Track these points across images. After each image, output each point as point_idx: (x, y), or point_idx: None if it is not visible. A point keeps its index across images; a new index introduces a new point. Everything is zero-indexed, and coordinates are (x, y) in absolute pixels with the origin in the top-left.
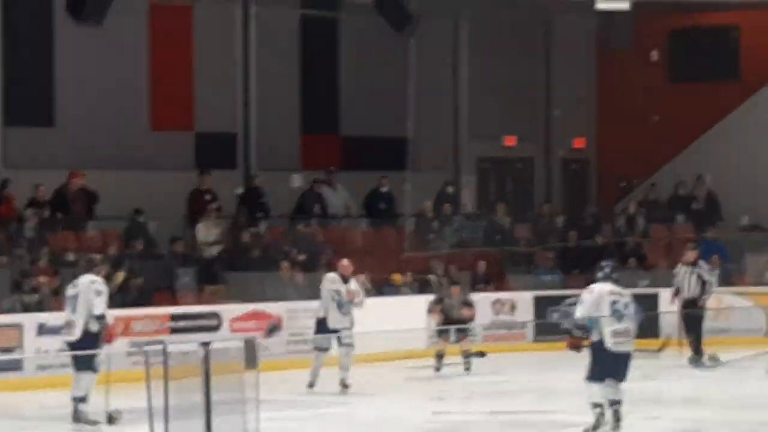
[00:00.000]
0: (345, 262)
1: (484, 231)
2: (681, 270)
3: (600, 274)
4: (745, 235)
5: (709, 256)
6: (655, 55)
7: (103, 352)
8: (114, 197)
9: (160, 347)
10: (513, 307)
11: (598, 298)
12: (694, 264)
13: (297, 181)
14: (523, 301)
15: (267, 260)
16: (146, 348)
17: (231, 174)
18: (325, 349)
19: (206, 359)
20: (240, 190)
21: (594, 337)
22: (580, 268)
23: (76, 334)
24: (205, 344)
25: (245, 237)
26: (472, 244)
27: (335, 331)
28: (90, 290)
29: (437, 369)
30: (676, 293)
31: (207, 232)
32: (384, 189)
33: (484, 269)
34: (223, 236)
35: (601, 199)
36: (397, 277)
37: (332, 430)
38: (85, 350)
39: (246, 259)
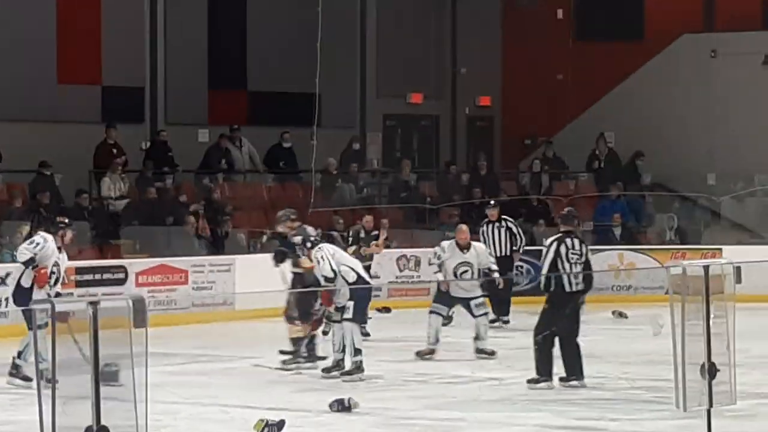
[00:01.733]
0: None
1: (389, 188)
2: (486, 229)
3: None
4: (647, 193)
5: (612, 215)
6: (560, 13)
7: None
8: (20, 150)
9: (47, 306)
10: (417, 264)
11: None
12: (498, 221)
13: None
14: (428, 257)
15: (173, 214)
16: (32, 307)
17: (137, 128)
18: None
19: (94, 318)
20: (146, 145)
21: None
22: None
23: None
24: (94, 303)
25: (151, 191)
26: (377, 201)
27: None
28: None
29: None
30: None
31: (113, 185)
32: (286, 144)
33: (389, 226)
34: (130, 190)
35: (505, 156)
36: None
37: (235, 384)
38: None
39: (152, 213)
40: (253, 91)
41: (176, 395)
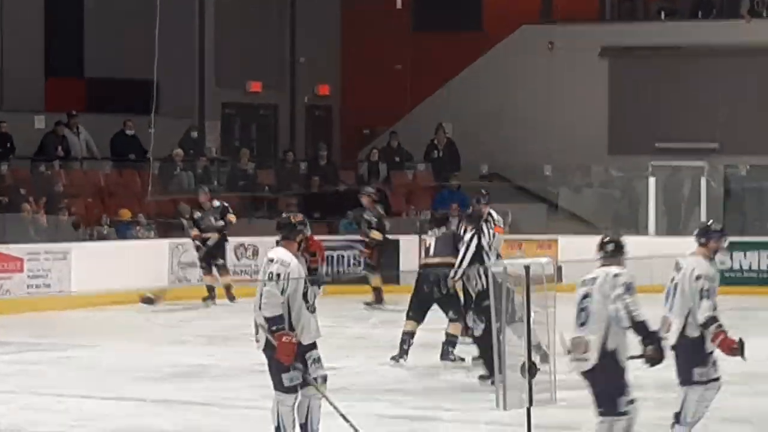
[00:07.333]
0: None
1: (227, 176)
2: None
3: None
4: (484, 183)
5: (449, 205)
6: (399, 3)
7: None
8: None
9: None
10: (255, 253)
11: None
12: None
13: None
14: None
15: (9, 201)
16: None
17: None
18: None
19: None
20: None
21: None
22: (321, 214)
23: None
24: None
25: None
26: (215, 190)
27: None
28: None
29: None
30: None
31: None
32: (129, 132)
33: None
34: None
35: (344, 146)
36: (124, 213)
37: (71, 374)
38: None
39: None
40: (91, 78)
41: (11, 384)
